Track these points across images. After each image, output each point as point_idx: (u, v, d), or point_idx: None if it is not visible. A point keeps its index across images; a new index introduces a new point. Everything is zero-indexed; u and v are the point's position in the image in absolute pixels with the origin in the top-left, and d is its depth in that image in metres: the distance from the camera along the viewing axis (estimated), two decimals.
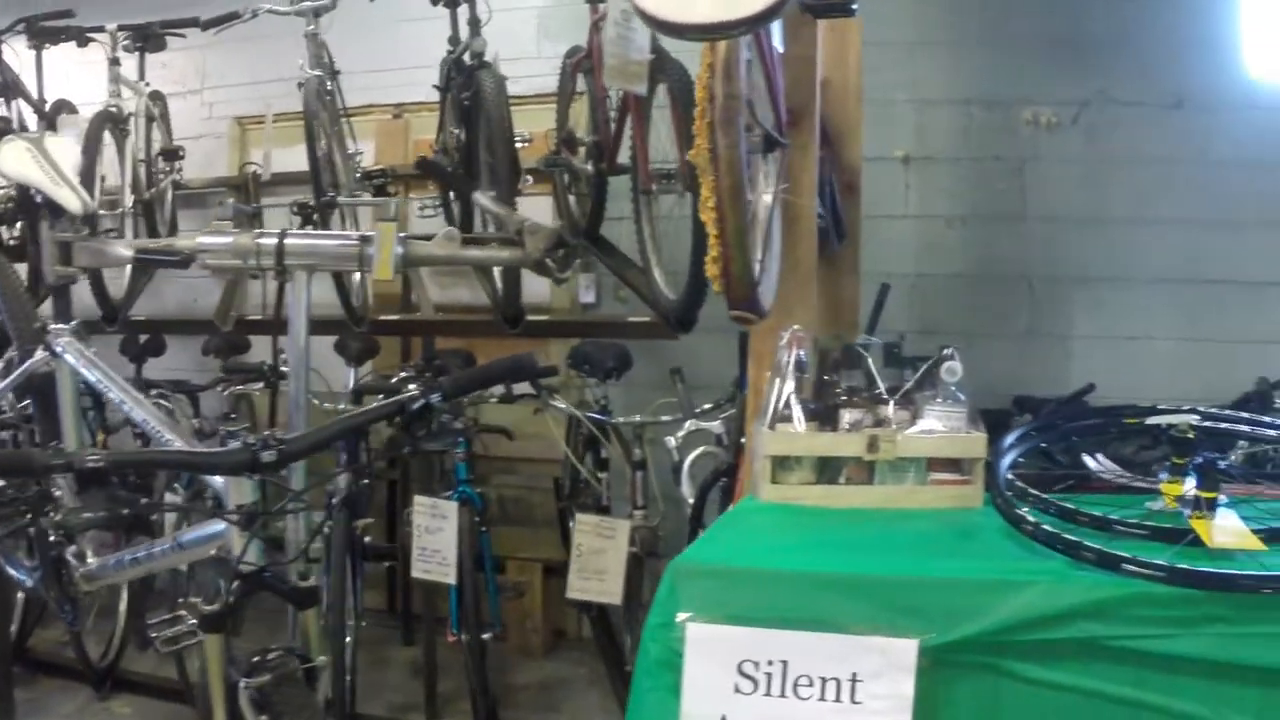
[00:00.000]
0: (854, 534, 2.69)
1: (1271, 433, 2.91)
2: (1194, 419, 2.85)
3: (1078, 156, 5.87)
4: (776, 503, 2.95)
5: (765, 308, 3.27)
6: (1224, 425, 2.95)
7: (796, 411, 2.99)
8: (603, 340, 5.71)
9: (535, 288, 6.75)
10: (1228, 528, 2.35)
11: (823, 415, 3.05)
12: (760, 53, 3.13)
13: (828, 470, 2.99)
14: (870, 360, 3.21)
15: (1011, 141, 5.93)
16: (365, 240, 2.66)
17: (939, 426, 3.01)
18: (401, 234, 2.66)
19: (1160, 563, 2.13)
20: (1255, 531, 2.36)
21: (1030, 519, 2.37)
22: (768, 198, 3.41)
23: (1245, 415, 3.06)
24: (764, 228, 3.34)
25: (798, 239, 3.64)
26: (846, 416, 3.04)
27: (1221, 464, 2.53)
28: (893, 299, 5.62)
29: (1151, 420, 2.90)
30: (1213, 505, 2.45)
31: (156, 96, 6.67)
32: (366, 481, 5.15)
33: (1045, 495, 2.62)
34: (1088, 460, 3.39)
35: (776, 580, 2.34)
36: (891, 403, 3.05)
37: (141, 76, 6.48)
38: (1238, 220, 5.72)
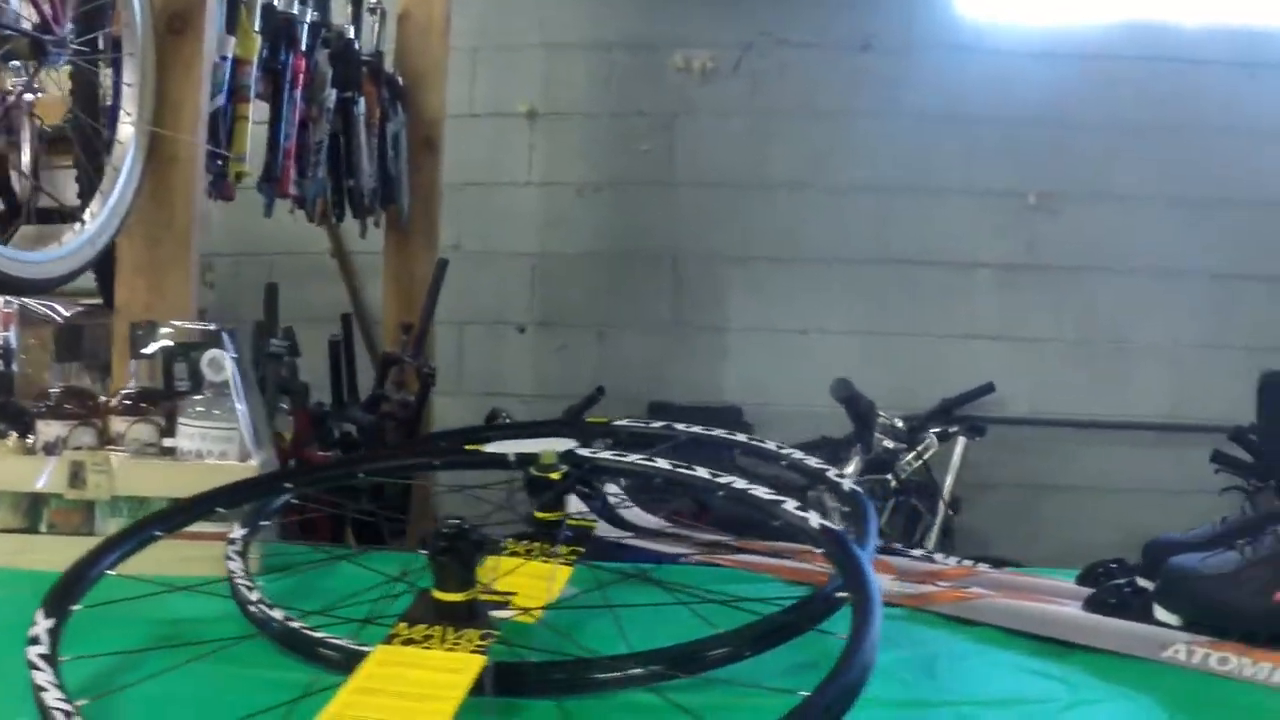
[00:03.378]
0: None
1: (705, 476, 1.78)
2: (573, 445, 1.77)
3: (739, 109, 4.92)
4: None
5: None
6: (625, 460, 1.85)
7: None
8: None
9: None
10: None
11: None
12: None
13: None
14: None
15: (659, 92, 4.93)
16: None
17: (195, 448, 1.94)
18: None
19: None
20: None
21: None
22: (129, 129, 2.57)
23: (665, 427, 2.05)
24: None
25: (171, 189, 2.69)
26: (44, 431, 1.94)
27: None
28: (512, 283, 4.86)
29: (496, 448, 1.79)
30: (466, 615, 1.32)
31: None
32: None
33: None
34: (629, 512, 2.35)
35: None
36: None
37: None
38: (937, 185, 4.86)
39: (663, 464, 1.77)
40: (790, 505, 1.62)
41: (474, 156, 4.78)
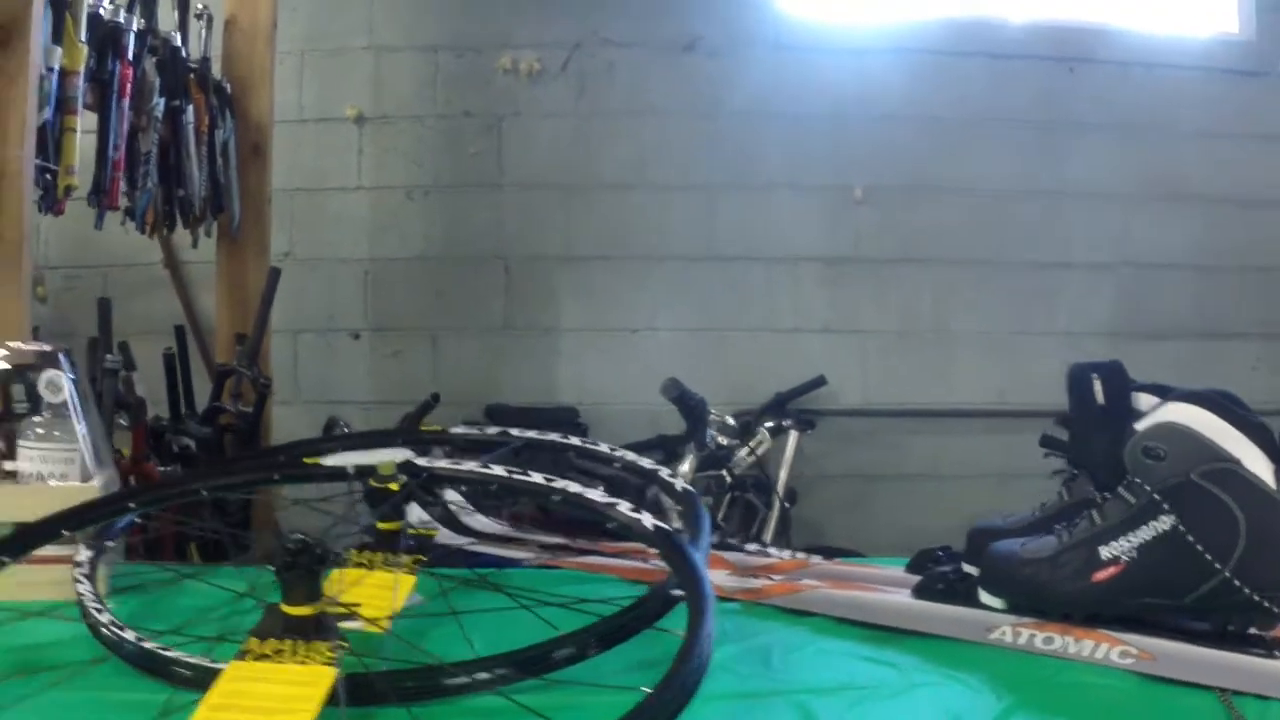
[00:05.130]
0: None
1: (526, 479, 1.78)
2: (409, 455, 1.76)
3: (566, 110, 4.88)
4: None
5: None
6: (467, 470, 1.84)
7: None
8: None
9: None
10: None
11: None
12: None
13: None
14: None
15: (486, 94, 4.88)
16: None
17: (36, 471, 1.90)
18: None
19: None
20: None
21: None
22: None
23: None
24: None
25: (0, 206, 2.63)
26: None
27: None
28: (344, 290, 4.89)
29: (334, 460, 1.77)
30: (314, 628, 1.32)
31: None
32: None
33: None
34: (472, 518, 2.33)
35: None
36: None
37: None
38: (763, 182, 4.89)
39: (499, 470, 1.77)
40: (624, 507, 1.63)
41: (304, 162, 4.71)
